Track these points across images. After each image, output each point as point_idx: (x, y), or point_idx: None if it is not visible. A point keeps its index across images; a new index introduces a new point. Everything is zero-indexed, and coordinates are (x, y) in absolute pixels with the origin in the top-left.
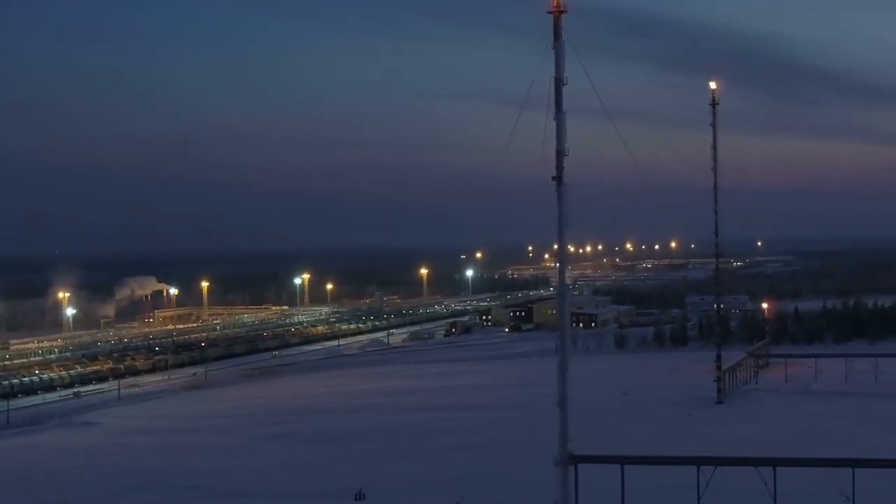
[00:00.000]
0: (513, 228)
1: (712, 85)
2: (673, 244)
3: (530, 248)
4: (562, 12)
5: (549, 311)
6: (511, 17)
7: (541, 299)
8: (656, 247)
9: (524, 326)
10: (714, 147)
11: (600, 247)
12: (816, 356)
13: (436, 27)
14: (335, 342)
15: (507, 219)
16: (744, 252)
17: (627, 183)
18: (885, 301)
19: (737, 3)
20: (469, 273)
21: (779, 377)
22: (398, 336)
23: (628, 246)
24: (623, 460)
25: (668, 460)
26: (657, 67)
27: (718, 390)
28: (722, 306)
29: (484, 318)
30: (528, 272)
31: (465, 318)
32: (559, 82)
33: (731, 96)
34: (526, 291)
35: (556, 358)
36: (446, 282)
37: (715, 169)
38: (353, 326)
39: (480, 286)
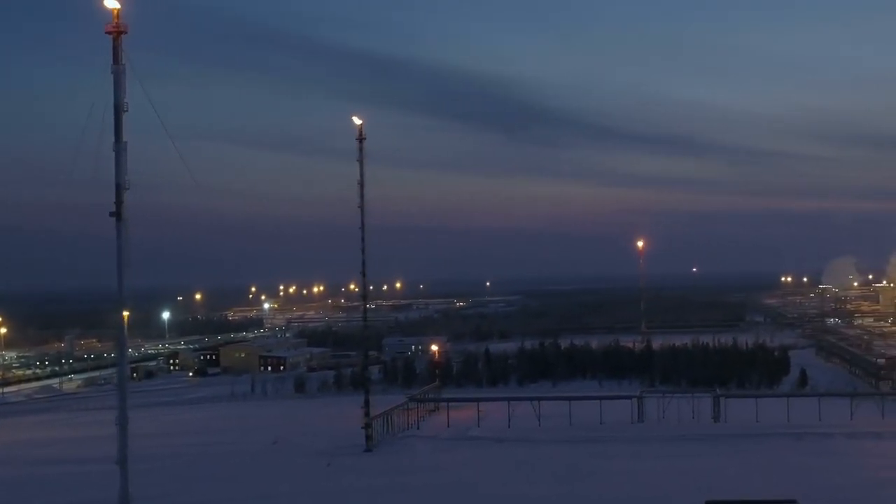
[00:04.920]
0: (242, 268)
1: (357, 120)
2: (398, 284)
3: (253, 288)
4: (121, 33)
5: (238, 354)
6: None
7: (229, 342)
8: (384, 287)
9: (210, 370)
10: (361, 185)
11: (322, 287)
12: (478, 400)
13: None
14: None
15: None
16: (473, 292)
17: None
18: (579, 341)
19: (479, 46)
20: (166, 315)
21: (443, 422)
22: (75, 382)
23: (352, 286)
24: None
25: None
26: (402, 110)
27: (367, 437)
28: (420, 347)
29: (171, 361)
30: (251, 313)
31: (154, 363)
32: (119, 109)
33: (475, 138)
34: (229, 334)
35: (248, 402)
36: (154, 324)
37: (362, 206)
38: (29, 372)
39: (192, 328)
